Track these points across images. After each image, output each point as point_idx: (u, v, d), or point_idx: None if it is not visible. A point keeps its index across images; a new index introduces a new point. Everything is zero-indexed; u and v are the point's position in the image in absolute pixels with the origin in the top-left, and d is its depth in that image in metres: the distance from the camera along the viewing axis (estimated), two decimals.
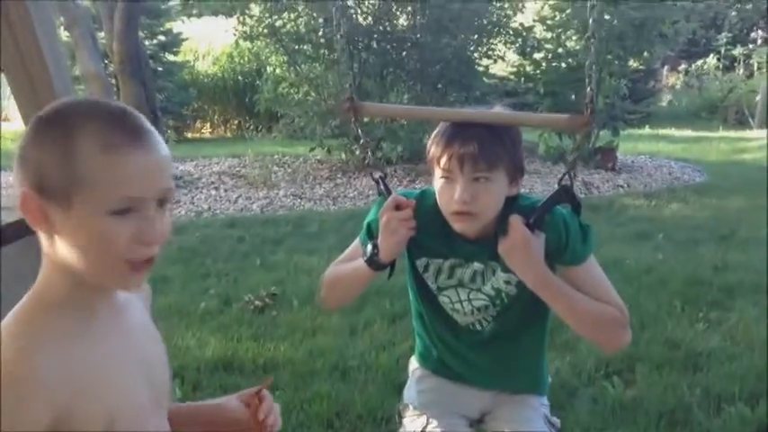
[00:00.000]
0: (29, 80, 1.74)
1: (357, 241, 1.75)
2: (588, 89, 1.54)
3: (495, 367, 1.75)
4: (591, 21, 1.62)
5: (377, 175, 1.70)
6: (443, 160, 1.51)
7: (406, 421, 1.78)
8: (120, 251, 1.00)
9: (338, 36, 1.98)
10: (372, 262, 1.59)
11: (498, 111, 1.63)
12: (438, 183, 1.55)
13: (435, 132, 1.56)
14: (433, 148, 1.55)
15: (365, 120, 9.39)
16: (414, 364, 1.91)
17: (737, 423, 2.77)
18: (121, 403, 1.06)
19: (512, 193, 1.55)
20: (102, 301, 1.07)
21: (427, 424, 1.71)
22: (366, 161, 1.76)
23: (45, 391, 0.94)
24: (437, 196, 1.57)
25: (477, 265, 1.63)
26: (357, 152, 9.22)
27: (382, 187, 1.67)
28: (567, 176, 1.54)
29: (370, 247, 1.60)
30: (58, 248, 1.01)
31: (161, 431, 1.16)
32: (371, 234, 1.67)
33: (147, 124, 1.03)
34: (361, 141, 1.77)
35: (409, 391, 1.86)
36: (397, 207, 1.57)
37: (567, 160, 1.78)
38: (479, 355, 1.75)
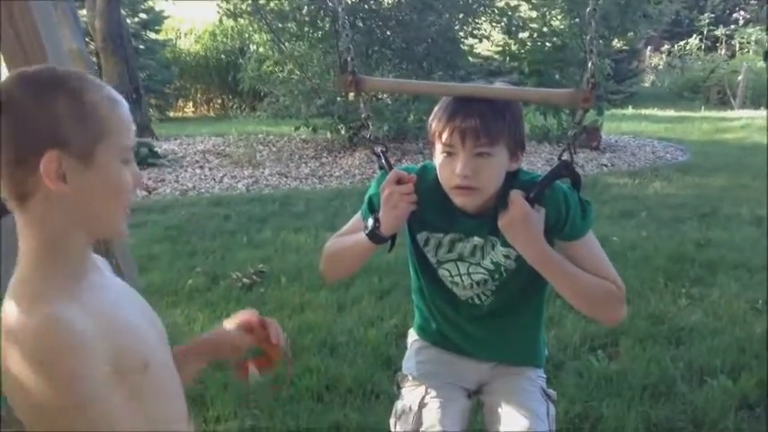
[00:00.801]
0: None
1: (358, 215, 1.76)
2: (589, 63, 1.52)
3: (493, 339, 1.77)
4: None
5: (378, 149, 1.69)
6: (445, 135, 1.50)
7: (404, 391, 1.79)
8: (128, 198, 1.10)
9: (339, 9, 1.96)
10: (373, 236, 1.60)
11: (499, 86, 1.62)
12: (439, 158, 1.55)
13: (437, 108, 1.56)
14: (434, 123, 1.54)
15: (350, 98, 9.34)
16: (413, 336, 1.93)
17: (720, 395, 2.83)
18: (145, 342, 1.11)
19: (512, 168, 1.55)
20: (89, 259, 1.11)
21: (426, 394, 1.72)
22: (369, 135, 1.74)
23: (94, 345, 0.97)
24: (438, 171, 1.56)
25: (476, 240, 1.63)
26: (342, 131, 9.22)
27: (383, 161, 1.67)
28: (567, 151, 1.53)
29: (371, 220, 1.61)
30: (63, 208, 1.03)
31: (171, 365, 1.21)
32: (372, 208, 1.67)
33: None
34: (364, 115, 1.76)
35: (408, 362, 1.87)
36: (399, 181, 1.57)
37: (567, 135, 1.76)
38: (478, 328, 1.77)
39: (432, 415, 1.67)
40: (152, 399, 1.09)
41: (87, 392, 0.95)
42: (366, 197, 1.72)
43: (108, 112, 1.05)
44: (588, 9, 1.58)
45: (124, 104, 1.09)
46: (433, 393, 1.72)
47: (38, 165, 0.99)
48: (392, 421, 1.78)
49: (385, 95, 9.60)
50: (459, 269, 1.69)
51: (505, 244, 1.59)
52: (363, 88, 1.74)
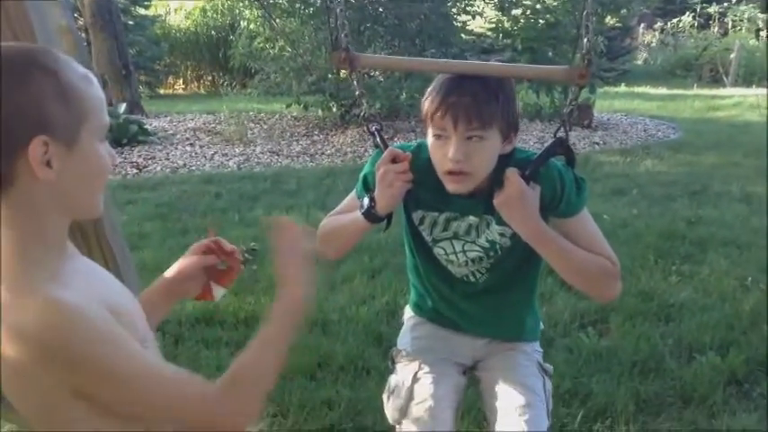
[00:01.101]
0: None
1: (353, 194, 1.76)
2: (585, 40, 1.50)
3: (488, 316, 1.78)
4: None
5: (373, 127, 1.69)
6: (436, 117, 1.49)
7: (398, 366, 1.80)
8: (106, 177, 1.09)
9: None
10: (369, 215, 1.60)
11: (493, 63, 1.62)
12: (431, 140, 1.54)
13: (430, 88, 1.53)
14: (426, 104, 1.52)
15: (342, 75, 9.29)
16: (408, 312, 1.93)
17: (709, 371, 2.86)
18: (135, 321, 1.11)
19: (505, 150, 1.54)
20: (63, 243, 1.09)
21: (419, 369, 1.73)
22: (363, 113, 1.73)
23: (102, 314, 0.98)
24: (430, 154, 1.56)
25: (472, 219, 1.64)
26: (334, 109, 9.17)
27: (378, 140, 1.67)
28: (562, 128, 1.54)
29: (366, 200, 1.61)
30: (46, 193, 1.00)
31: (155, 345, 1.22)
32: (368, 187, 1.67)
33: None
34: (357, 93, 1.73)
35: (403, 338, 1.88)
36: (394, 160, 1.57)
37: (561, 113, 1.74)
38: (473, 305, 1.77)
39: (424, 389, 1.68)
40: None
41: (122, 356, 0.97)
42: (360, 176, 1.72)
43: (85, 93, 1.03)
44: None
45: (95, 81, 1.07)
46: (427, 369, 1.72)
47: (23, 152, 0.96)
48: (385, 396, 1.79)
49: (377, 73, 9.55)
50: (454, 247, 1.69)
51: (500, 222, 1.59)
52: (357, 65, 1.72)
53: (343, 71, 1.76)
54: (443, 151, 1.50)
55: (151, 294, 1.37)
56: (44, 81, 0.98)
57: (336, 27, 1.67)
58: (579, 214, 1.59)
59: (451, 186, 1.53)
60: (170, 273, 1.40)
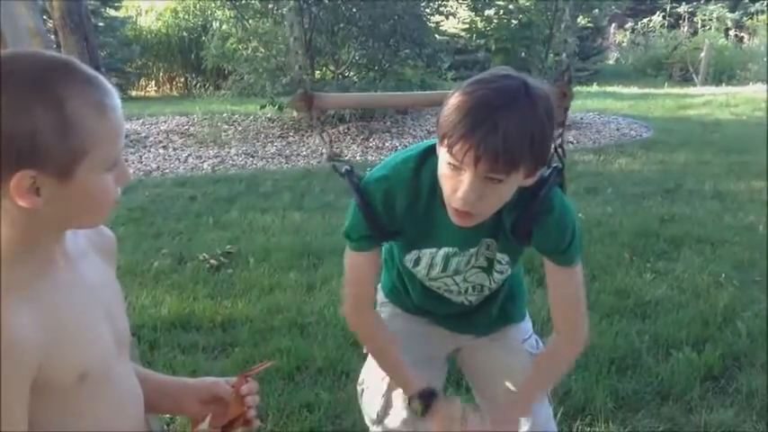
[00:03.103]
0: None
1: (352, 253, 1.57)
2: (564, 55, 1.48)
3: (477, 322, 1.72)
4: None
5: (343, 169, 1.54)
6: (456, 150, 1.25)
7: (369, 365, 1.73)
8: (113, 197, 1.03)
9: (291, 39, 1.78)
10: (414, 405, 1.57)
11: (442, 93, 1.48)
12: (443, 164, 1.32)
13: (453, 102, 1.27)
14: (446, 126, 1.27)
15: (316, 77, 9.22)
16: (382, 297, 1.79)
17: (685, 367, 2.89)
18: (92, 351, 1.04)
19: (526, 183, 1.35)
20: (58, 251, 1.04)
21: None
22: (329, 153, 1.63)
23: (25, 351, 0.93)
24: (440, 178, 1.35)
25: (472, 251, 1.53)
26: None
27: (349, 183, 1.50)
28: (555, 155, 1.48)
29: (420, 403, 1.56)
30: (33, 215, 0.96)
31: (126, 376, 1.15)
32: (361, 234, 1.52)
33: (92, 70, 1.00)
34: (320, 133, 1.66)
35: None
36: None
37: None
38: (462, 318, 1.71)
39: (399, 399, 1.65)
40: (89, 412, 1.04)
41: None
42: (347, 230, 1.54)
43: (94, 124, 0.95)
44: None
45: (114, 105, 0.98)
46: None
47: (9, 178, 0.91)
48: (359, 389, 1.76)
49: (351, 73, 9.54)
50: (455, 280, 1.60)
51: (503, 250, 1.53)
52: (317, 107, 1.66)
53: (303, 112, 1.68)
54: (454, 184, 1.30)
55: (159, 385, 1.29)
56: (47, 112, 0.91)
57: (296, 67, 1.63)
58: (573, 267, 1.52)
59: (456, 220, 1.37)
60: (188, 383, 1.31)
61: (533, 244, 1.49)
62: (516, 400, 1.61)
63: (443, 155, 1.31)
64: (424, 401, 1.54)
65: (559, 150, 1.52)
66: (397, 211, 1.46)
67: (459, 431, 1.49)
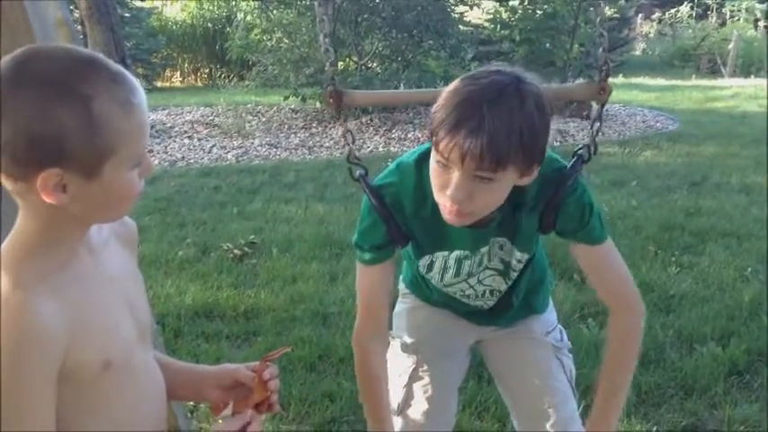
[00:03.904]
0: None
1: (363, 267, 1.54)
2: (600, 50, 1.47)
3: (500, 310, 1.68)
4: None
5: (357, 173, 1.53)
6: (442, 147, 1.23)
7: (395, 352, 1.70)
8: (131, 201, 1.04)
9: (321, 35, 1.74)
10: None
11: None
12: (432, 162, 1.31)
13: (441, 100, 1.27)
14: (434, 123, 1.26)
15: (340, 67, 9.23)
16: (403, 288, 1.78)
17: (709, 362, 2.86)
18: (114, 341, 1.06)
19: (522, 182, 1.32)
20: (80, 241, 1.05)
21: (418, 366, 1.66)
22: (348, 156, 1.60)
23: (52, 341, 0.95)
24: (431, 176, 1.33)
25: (484, 249, 1.50)
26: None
27: (364, 186, 1.49)
28: (586, 149, 1.47)
29: None
30: (59, 209, 0.97)
31: (148, 364, 1.16)
32: (370, 245, 1.50)
33: (119, 66, 1.00)
34: (345, 134, 1.64)
35: (400, 320, 1.76)
36: None
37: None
38: (483, 313, 1.68)
39: (422, 391, 1.66)
40: (113, 400, 1.06)
41: (16, 390, 0.93)
42: (355, 239, 1.53)
43: (121, 123, 0.95)
44: None
45: (140, 102, 0.98)
46: (425, 366, 1.67)
47: (35, 175, 0.92)
48: None
49: (375, 64, 9.53)
50: (470, 284, 1.58)
51: (523, 250, 1.51)
52: (347, 104, 1.65)
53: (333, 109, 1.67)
54: (443, 181, 1.28)
55: (181, 374, 1.30)
56: (73, 112, 0.91)
57: (327, 64, 1.63)
58: (604, 244, 1.50)
59: (449, 219, 1.34)
60: (208, 370, 1.32)
61: (558, 231, 1.48)
62: (605, 399, 1.60)
63: (433, 152, 1.29)
64: None
65: (591, 147, 1.50)
66: (407, 215, 1.46)
67: None
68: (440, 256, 1.52)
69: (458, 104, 1.22)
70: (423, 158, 1.41)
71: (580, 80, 9.44)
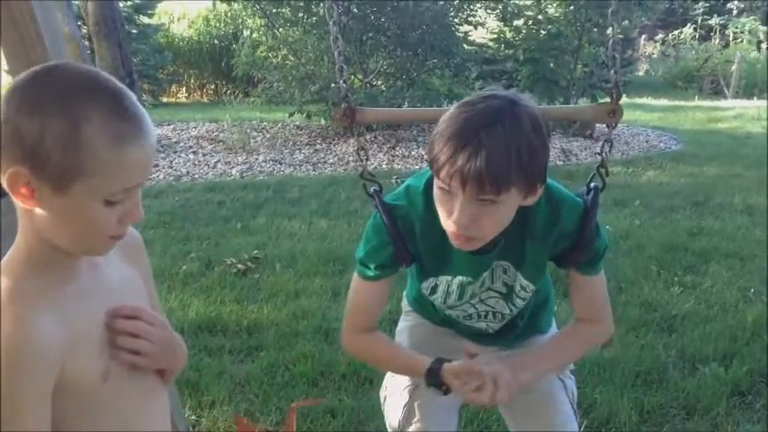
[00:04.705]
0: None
1: (361, 281, 1.58)
2: (612, 72, 1.49)
3: (504, 330, 1.68)
4: None
5: (371, 189, 1.54)
6: (443, 175, 1.27)
7: (394, 373, 1.72)
8: (109, 233, 1.02)
9: (335, 52, 1.78)
10: (433, 383, 1.49)
11: None
12: (436, 190, 1.35)
13: (438, 129, 1.30)
14: (433, 149, 1.29)
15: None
16: (407, 306, 1.80)
17: (712, 382, 2.86)
18: (113, 355, 1.07)
19: (528, 203, 1.34)
20: (82, 258, 1.07)
21: (418, 385, 1.65)
22: (362, 172, 1.62)
23: (48, 356, 0.96)
24: (436, 203, 1.37)
25: (486, 275, 1.52)
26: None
27: (378, 203, 1.50)
28: (597, 175, 1.50)
29: (434, 365, 1.47)
30: (38, 220, 0.98)
31: (148, 374, 1.16)
32: (376, 263, 1.52)
33: (140, 106, 1.00)
34: (358, 150, 1.66)
35: (402, 337, 1.77)
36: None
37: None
38: (485, 336, 1.69)
39: (422, 410, 1.66)
40: (113, 411, 1.07)
41: (9, 404, 0.94)
42: (360, 255, 1.55)
43: (104, 152, 0.94)
44: (611, 9, 1.55)
45: (139, 143, 0.97)
46: (423, 387, 1.64)
47: (8, 169, 0.94)
48: (381, 395, 1.77)
49: (379, 82, 9.58)
50: (471, 303, 1.59)
51: (528, 279, 1.53)
52: (360, 121, 1.67)
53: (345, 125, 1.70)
54: (449, 208, 1.32)
55: None
56: (61, 122, 0.93)
57: (340, 80, 1.66)
58: (598, 276, 1.55)
59: (456, 245, 1.38)
60: None
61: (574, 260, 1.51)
62: (534, 353, 1.60)
63: (435, 180, 1.32)
64: (436, 381, 1.49)
65: (602, 170, 1.52)
66: (416, 237, 1.48)
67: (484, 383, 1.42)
68: (443, 280, 1.54)
69: (455, 132, 1.25)
70: (430, 184, 1.43)
71: (584, 100, 9.50)
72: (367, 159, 1.65)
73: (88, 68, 1.01)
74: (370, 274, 1.53)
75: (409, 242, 1.48)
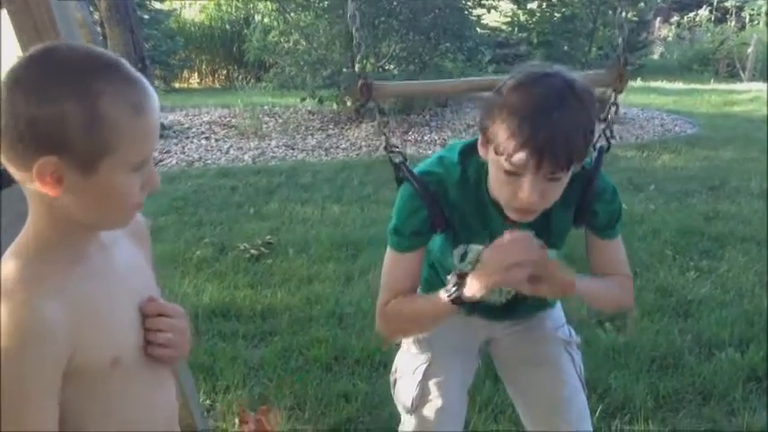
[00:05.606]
0: None
1: (394, 253, 1.56)
2: (620, 39, 1.52)
3: (511, 312, 1.71)
4: None
5: (397, 159, 1.56)
6: (516, 159, 1.29)
7: (407, 350, 1.73)
8: (135, 200, 1.03)
9: (353, 29, 1.77)
10: (457, 299, 1.43)
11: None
12: (497, 172, 1.36)
13: (503, 114, 1.31)
14: (501, 133, 1.30)
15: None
16: (418, 290, 1.76)
17: (728, 367, 2.84)
18: (123, 337, 1.07)
19: (575, 169, 1.40)
20: (90, 240, 1.06)
21: (430, 364, 1.68)
22: (385, 145, 1.63)
23: (55, 340, 0.96)
24: (492, 184, 1.40)
25: None
26: (348, 103, 9.16)
27: (406, 172, 1.52)
28: (602, 136, 1.53)
29: (453, 281, 1.44)
30: (62, 205, 0.98)
31: (158, 368, 1.16)
32: (410, 233, 1.52)
33: (138, 73, 1.01)
34: (377, 122, 1.67)
35: None
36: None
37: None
38: (496, 310, 1.69)
39: (435, 388, 1.67)
40: (124, 397, 1.07)
41: (16, 389, 0.94)
42: (392, 226, 1.54)
43: (126, 123, 0.95)
44: None
45: (151, 107, 0.99)
46: (438, 364, 1.68)
47: (33, 162, 0.93)
48: (392, 378, 1.77)
49: (392, 66, 9.53)
50: None
51: (553, 246, 1.54)
52: (377, 96, 1.67)
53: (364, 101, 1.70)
54: (512, 188, 1.35)
55: None
56: (78, 103, 0.92)
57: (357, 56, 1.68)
58: (617, 239, 1.62)
59: (516, 216, 1.41)
60: None
61: (592, 223, 1.56)
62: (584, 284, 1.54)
63: (497, 163, 1.34)
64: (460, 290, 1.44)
65: (607, 132, 1.57)
66: (450, 203, 1.50)
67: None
68: (474, 249, 1.55)
69: (525, 117, 1.28)
70: (466, 155, 1.49)
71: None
72: (390, 132, 1.66)
73: (81, 45, 1.02)
74: (405, 243, 1.53)
75: (443, 206, 1.51)
